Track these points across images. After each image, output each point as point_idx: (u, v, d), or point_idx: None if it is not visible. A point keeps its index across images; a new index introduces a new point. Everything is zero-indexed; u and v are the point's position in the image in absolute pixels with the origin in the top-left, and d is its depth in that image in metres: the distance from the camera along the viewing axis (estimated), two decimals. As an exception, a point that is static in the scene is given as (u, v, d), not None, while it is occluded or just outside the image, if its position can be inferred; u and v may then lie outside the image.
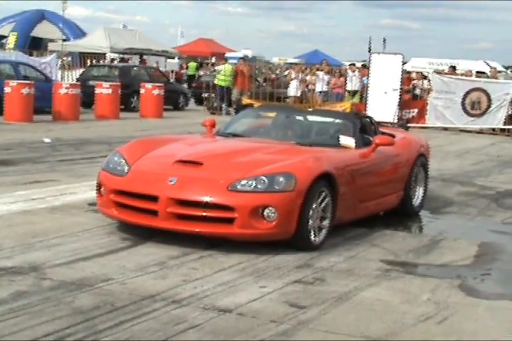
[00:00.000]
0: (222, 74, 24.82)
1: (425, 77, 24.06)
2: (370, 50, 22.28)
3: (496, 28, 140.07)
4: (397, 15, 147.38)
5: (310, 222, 6.58)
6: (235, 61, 27.32)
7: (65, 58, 30.03)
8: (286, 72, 28.45)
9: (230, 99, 24.42)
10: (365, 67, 23.95)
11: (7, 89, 17.83)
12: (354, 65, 25.82)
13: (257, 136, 8.13)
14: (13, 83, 17.94)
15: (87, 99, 20.95)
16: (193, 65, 36.20)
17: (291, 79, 25.47)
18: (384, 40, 22.76)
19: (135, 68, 26.24)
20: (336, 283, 5.74)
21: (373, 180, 7.82)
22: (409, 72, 25.47)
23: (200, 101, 27.51)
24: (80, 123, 18.49)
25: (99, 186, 7.08)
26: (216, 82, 24.97)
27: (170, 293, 5.20)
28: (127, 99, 22.81)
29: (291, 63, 37.66)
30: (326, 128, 8.38)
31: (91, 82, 21.78)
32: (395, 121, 21.21)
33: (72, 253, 6.08)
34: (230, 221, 6.35)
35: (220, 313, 4.85)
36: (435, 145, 13.43)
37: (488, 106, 21.93)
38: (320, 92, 24.62)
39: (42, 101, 18.65)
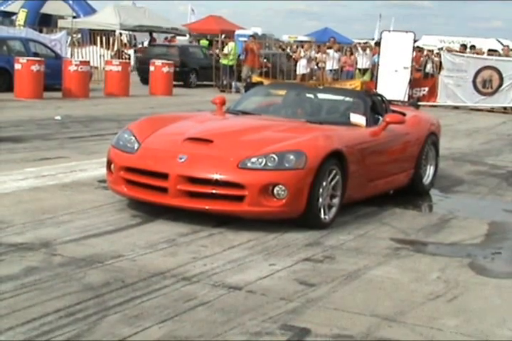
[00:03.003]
0: (226, 53, 24.87)
1: (438, 54, 23.95)
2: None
3: (507, 7, 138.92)
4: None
5: (320, 200, 6.57)
6: (245, 39, 27.21)
7: (74, 35, 29.96)
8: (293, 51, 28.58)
9: (237, 76, 24.47)
10: (378, 44, 23.81)
11: (17, 66, 17.81)
12: (367, 43, 25.69)
13: (267, 114, 8.10)
14: (23, 60, 17.91)
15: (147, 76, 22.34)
16: (204, 42, 36.06)
17: (300, 58, 25.37)
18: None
19: (192, 47, 28.35)
20: (346, 261, 5.74)
21: (384, 158, 7.80)
22: (420, 50, 25.29)
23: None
24: (89, 101, 18.48)
25: (109, 163, 7.08)
26: (221, 61, 25.02)
27: (180, 270, 5.21)
28: (186, 76, 25.20)
29: (301, 41, 37.48)
30: (336, 106, 8.35)
31: (152, 61, 22.51)
32: (406, 99, 21.14)
33: (82, 230, 6.09)
34: (239, 198, 6.35)
35: (230, 290, 4.86)
36: (446, 124, 13.37)
37: (500, 85, 21.82)
38: (330, 70, 24.51)
39: (52, 79, 18.64)
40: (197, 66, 25.67)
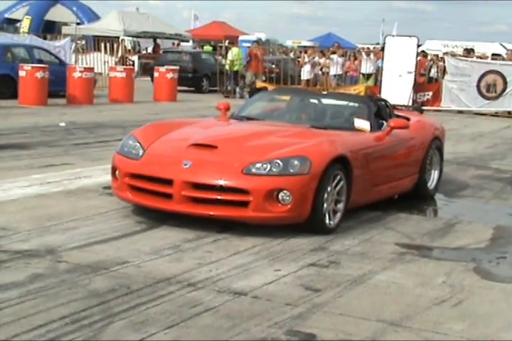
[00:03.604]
0: (231, 60, 24.91)
1: (442, 59, 23.95)
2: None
3: (511, 10, 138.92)
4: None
5: (325, 205, 6.57)
6: (249, 44, 27.28)
7: (78, 42, 30.03)
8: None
9: (239, 82, 24.51)
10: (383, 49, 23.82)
11: (21, 73, 17.85)
12: (375, 48, 25.69)
13: (272, 119, 8.11)
14: (28, 67, 17.95)
15: None
16: (208, 48, 36.16)
17: (305, 63, 25.38)
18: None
19: (204, 54, 29.07)
20: (351, 266, 5.74)
21: (388, 163, 7.80)
22: (425, 55, 25.27)
23: None
24: (93, 107, 18.51)
25: (113, 170, 7.09)
26: (227, 67, 25.10)
27: (185, 276, 5.21)
28: (198, 82, 26.05)
29: (304, 46, 37.53)
30: (340, 111, 8.36)
31: (166, 67, 22.75)
32: (410, 104, 21.12)
33: (87, 236, 6.10)
34: (244, 204, 6.35)
35: (235, 296, 4.86)
36: (450, 129, 13.38)
37: (504, 89, 21.80)
38: (334, 76, 24.52)
39: (56, 85, 18.65)
40: (209, 72, 26.14)
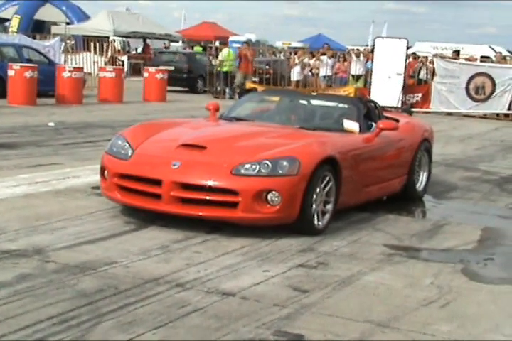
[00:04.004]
0: (220, 60, 24.93)
1: (431, 62, 24.02)
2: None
3: (501, 13, 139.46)
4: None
5: (313, 206, 6.58)
6: (239, 45, 27.29)
7: (68, 41, 29.96)
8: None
9: (232, 83, 24.51)
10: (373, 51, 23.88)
11: (10, 72, 17.78)
12: (365, 50, 25.74)
13: (261, 120, 8.11)
14: (17, 66, 17.88)
15: None
16: (198, 49, 36.17)
17: (294, 65, 25.40)
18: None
19: (199, 55, 29.26)
20: (339, 267, 5.75)
21: (377, 164, 7.81)
22: (416, 57, 25.34)
23: None
24: (83, 107, 18.46)
25: (102, 170, 7.07)
26: (217, 67, 25.13)
27: (173, 276, 5.21)
28: (193, 82, 26.19)
29: (294, 47, 37.56)
30: (330, 112, 8.37)
31: (161, 67, 23.23)
32: (399, 105, 21.17)
33: (75, 236, 6.09)
34: (233, 205, 6.35)
35: (224, 297, 4.86)
36: (439, 130, 13.41)
37: (493, 91, 21.88)
38: (324, 77, 24.55)
39: (45, 85, 18.60)
40: (204, 73, 26.14)
